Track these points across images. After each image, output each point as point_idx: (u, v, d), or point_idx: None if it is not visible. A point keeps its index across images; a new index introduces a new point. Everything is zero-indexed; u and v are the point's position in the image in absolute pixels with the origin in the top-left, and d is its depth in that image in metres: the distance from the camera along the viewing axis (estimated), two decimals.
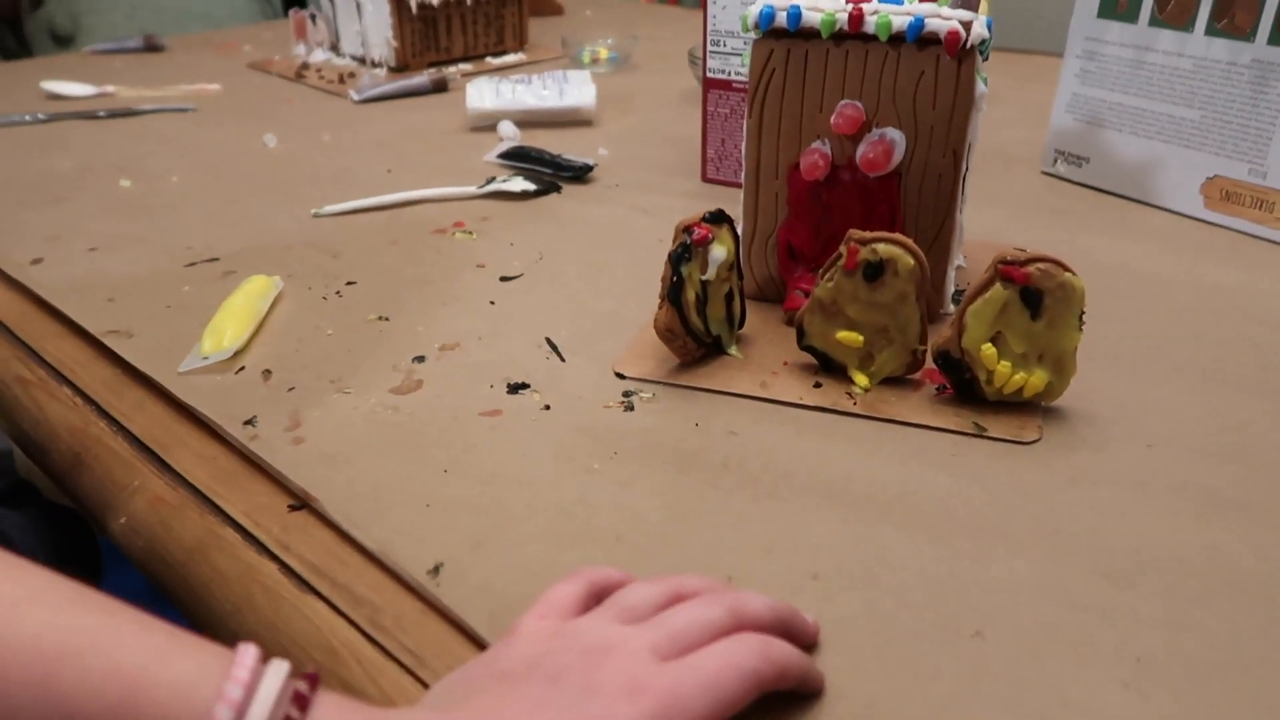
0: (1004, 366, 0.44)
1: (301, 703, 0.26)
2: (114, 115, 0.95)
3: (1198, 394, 0.47)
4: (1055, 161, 0.76)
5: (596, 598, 0.33)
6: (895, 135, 0.49)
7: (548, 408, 0.46)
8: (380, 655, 0.34)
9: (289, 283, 0.59)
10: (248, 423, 0.45)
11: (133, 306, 0.57)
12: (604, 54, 1.11)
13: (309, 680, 0.27)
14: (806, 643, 0.32)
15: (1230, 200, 0.66)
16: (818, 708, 0.30)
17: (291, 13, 1.19)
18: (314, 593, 0.36)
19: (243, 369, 0.50)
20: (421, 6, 1.07)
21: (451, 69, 1.11)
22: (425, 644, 0.34)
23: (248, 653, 0.26)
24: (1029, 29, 1.36)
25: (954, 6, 0.48)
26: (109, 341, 0.52)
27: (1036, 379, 0.44)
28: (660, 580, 0.33)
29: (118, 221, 0.70)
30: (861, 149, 0.50)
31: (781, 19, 0.49)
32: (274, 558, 0.38)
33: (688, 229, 0.47)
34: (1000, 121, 0.89)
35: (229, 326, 0.52)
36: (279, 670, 0.26)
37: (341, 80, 1.08)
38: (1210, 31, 0.64)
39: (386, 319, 0.55)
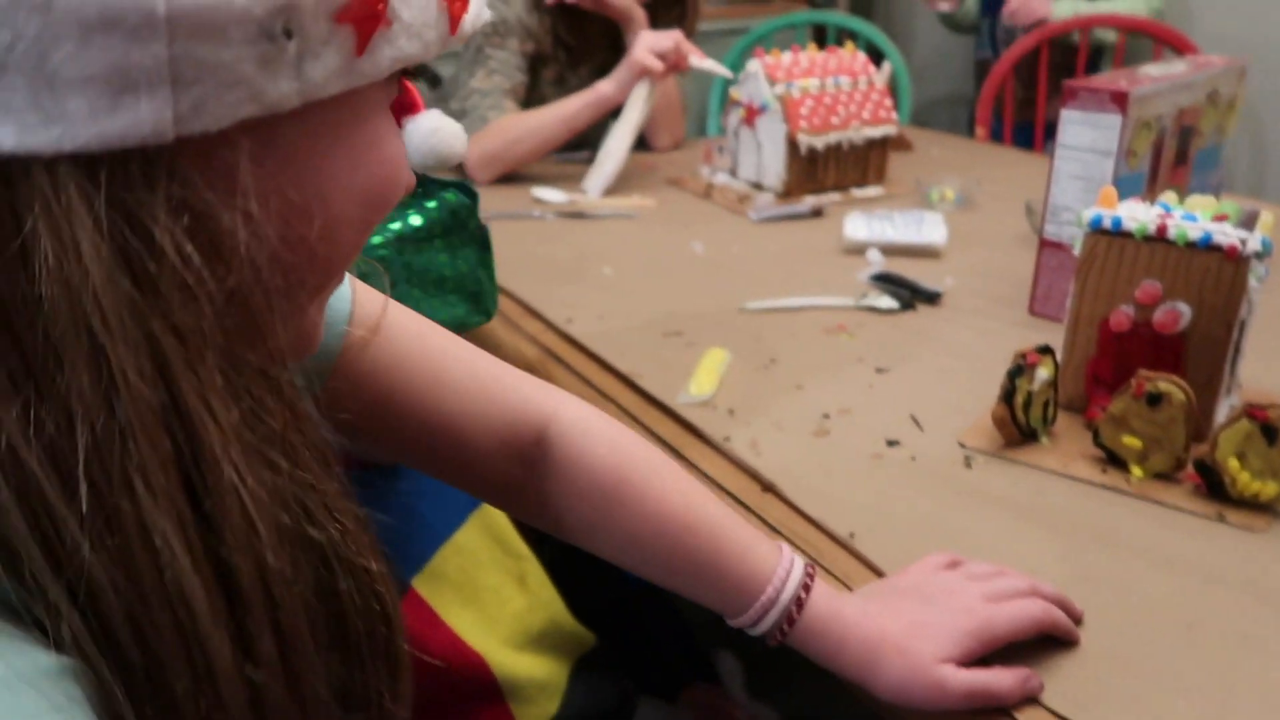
0: (1245, 475, 0.64)
1: (809, 579, 0.53)
2: (582, 216, 1.33)
3: None
4: None
5: (952, 565, 0.58)
6: (1183, 308, 0.71)
7: (914, 459, 0.72)
8: (822, 571, 0.60)
9: (733, 355, 0.89)
10: (726, 439, 0.75)
11: (637, 358, 0.89)
12: (950, 195, 1.36)
13: (811, 569, 0.54)
14: (1073, 616, 0.55)
15: None
16: (1072, 655, 0.53)
17: (704, 142, 1.55)
18: (782, 536, 0.64)
19: (715, 407, 0.80)
20: (809, 149, 1.38)
21: (825, 197, 1.41)
22: (850, 570, 0.60)
23: (785, 547, 0.54)
24: None
25: (1238, 225, 0.69)
26: (635, 379, 0.84)
27: (1270, 488, 0.64)
28: (990, 564, 0.57)
29: (610, 298, 1.04)
30: (1157, 314, 0.72)
31: (1107, 222, 0.72)
32: (756, 514, 0.66)
33: (1023, 355, 0.71)
34: None
35: (705, 379, 0.83)
36: (800, 561, 0.53)
37: (740, 200, 1.41)
38: None
39: (800, 387, 0.83)
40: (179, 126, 0.26)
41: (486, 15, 0.36)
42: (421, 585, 0.65)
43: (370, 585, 0.34)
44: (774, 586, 0.52)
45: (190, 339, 0.27)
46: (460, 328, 0.59)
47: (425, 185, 0.58)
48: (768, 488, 0.69)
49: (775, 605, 0.51)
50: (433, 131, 0.55)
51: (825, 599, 0.52)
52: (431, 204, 0.56)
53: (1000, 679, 0.49)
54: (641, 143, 1.83)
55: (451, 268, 0.59)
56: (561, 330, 0.96)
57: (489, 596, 0.69)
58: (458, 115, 1.51)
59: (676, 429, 0.78)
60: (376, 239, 0.54)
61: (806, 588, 0.52)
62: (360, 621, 0.34)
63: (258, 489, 0.29)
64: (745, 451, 0.73)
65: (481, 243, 0.61)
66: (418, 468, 0.55)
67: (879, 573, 0.59)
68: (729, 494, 0.69)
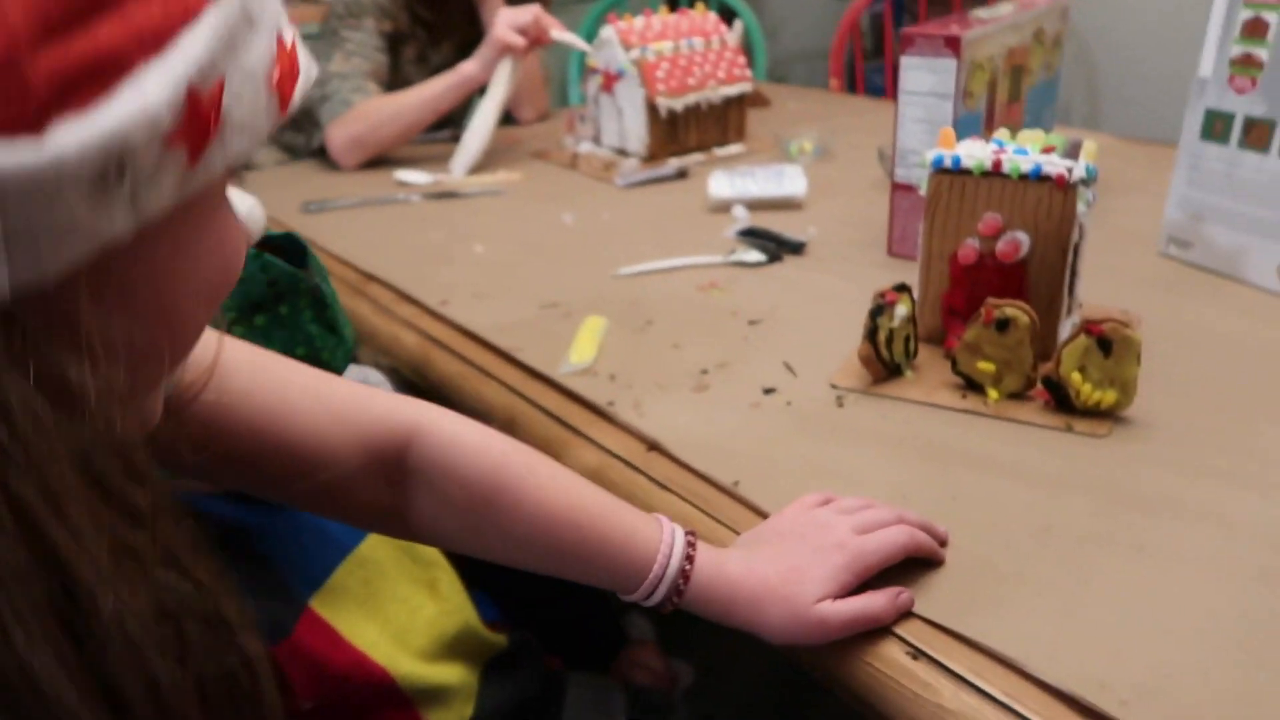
0: (1087, 387, 0.69)
1: (691, 547, 0.55)
2: (449, 196, 1.32)
3: (1231, 415, 0.70)
4: (1168, 245, 0.99)
5: (825, 502, 0.61)
6: (1022, 237, 0.75)
7: (789, 404, 0.75)
8: (712, 522, 0.63)
9: (610, 321, 0.90)
10: (609, 403, 0.76)
11: (516, 333, 0.89)
12: (809, 147, 1.40)
13: (691, 534, 0.56)
14: (937, 538, 0.59)
15: None
16: (941, 570, 0.57)
17: (566, 112, 1.55)
18: (670, 491, 0.66)
19: (596, 374, 0.81)
20: (669, 111, 1.40)
21: (689, 159, 1.43)
22: (737, 517, 0.63)
23: (665, 520, 0.56)
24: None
25: (1063, 156, 0.74)
26: (515, 354, 0.85)
27: (1109, 396, 0.69)
28: (860, 498, 0.61)
29: (484, 277, 1.04)
30: (999, 244, 0.76)
31: (948, 162, 0.76)
32: (643, 473, 0.68)
33: (882, 294, 0.75)
34: (1131, 208, 1.12)
35: (585, 347, 0.84)
36: (681, 532, 0.56)
37: (605, 168, 1.41)
38: None
39: (678, 346, 0.85)
40: (15, 286, 0.26)
41: (314, 73, 0.35)
42: (322, 603, 0.63)
43: (247, 664, 0.34)
44: (659, 563, 0.54)
45: (52, 487, 0.27)
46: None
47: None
48: (653, 446, 0.71)
49: (664, 580, 0.54)
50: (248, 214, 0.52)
51: (709, 564, 0.55)
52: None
53: (874, 602, 0.53)
54: (506, 117, 1.81)
55: (291, 343, 0.57)
56: (438, 313, 0.95)
57: (397, 607, 0.68)
58: (318, 102, 1.46)
59: (560, 399, 0.79)
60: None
61: (690, 557, 0.55)
62: (239, 696, 0.34)
63: (136, 606, 0.29)
64: (629, 414, 0.74)
65: (316, 303, 0.59)
66: (289, 502, 0.53)
67: (763, 514, 0.62)
68: (616, 456, 0.70)
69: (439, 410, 0.56)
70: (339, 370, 0.66)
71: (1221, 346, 0.80)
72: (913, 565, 0.56)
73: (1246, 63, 0.89)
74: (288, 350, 0.60)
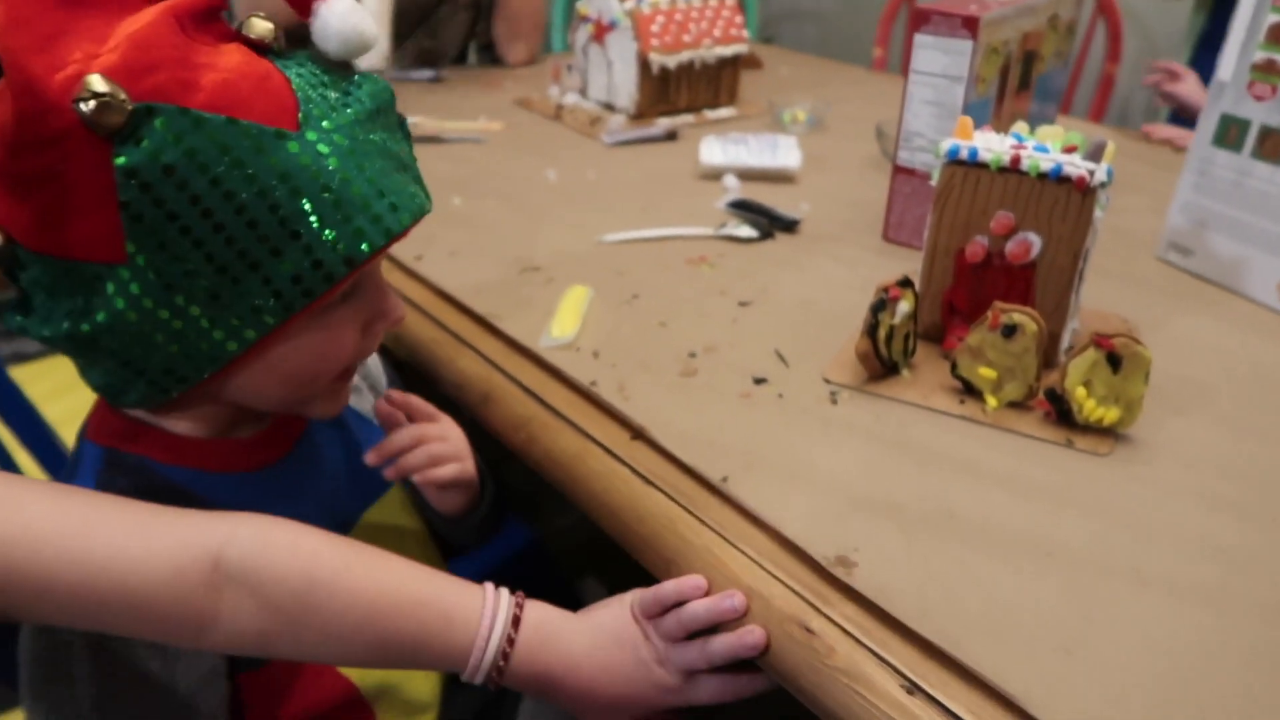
0: (1090, 402, 0.66)
1: (519, 608, 0.53)
2: (428, 141, 1.26)
3: (1230, 438, 0.68)
4: (1168, 250, 0.97)
5: (659, 612, 0.57)
6: (1034, 238, 0.72)
7: (781, 396, 0.71)
8: (697, 523, 0.59)
9: (595, 291, 0.86)
10: (592, 383, 0.72)
11: (495, 297, 0.84)
12: (802, 116, 1.36)
13: (519, 598, 0.53)
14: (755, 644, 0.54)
15: None
16: (942, 588, 0.54)
17: (551, 59, 1.48)
18: (654, 487, 0.62)
19: (579, 349, 0.77)
20: (661, 68, 1.34)
21: (678, 119, 1.37)
22: (723, 519, 0.59)
23: (490, 598, 0.54)
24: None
25: (1085, 157, 0.71)
26: (494, 322, 0.80)
27: (1113, 414, 0.66)
28: (704, 607, 0.56)
29: (462, 232, 0.99)
30: (1009, 245, 0.73)
31: (964, 154, 0.72)
32: (626, 464, 0.64)
33: (885, 289, 0.71)
34: (1131, 208, 1.09)
35: (567, 319, 0.79)
36: (504, 614, 0.53)
37: (591, 123, 1.36)
38: None
39: (665, 324, 0.81)
40: None
41: None
42: None
43: None
44: (478, 650, 0.53)
45: None
46: (421, 214, 0.54)
47: (347, 73, 0.53)
48: (637, 434, 0.67)
49: (480, 668, 0.53)
50: (350, 10, 0.49)
51: (531, 652, 0.54)
52: (366, 86, 0.51)
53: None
54: (493, 55, 1.73)
55: (402, 151, 0.54)
56: (411, 269, 0.90)
57: None
58: None
59: (540, 374, 0.75)
60: (345, 119, 0.49)
61: (510, 640, 0.54)
62: None
63: None
64: (613, 396, 0.71)
65: (405, 131, 0.57)
66: (103, 629, 0.48)
67: (752, 517, 0.59)
68: (597, 443, 0.67)
69: (254, 516, 0.51)
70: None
71: (1221, 362, 0.78)
72: (907, 586, 0.53)
73: (1269, 69, 0.86)
74: (412, 162, 0.58)
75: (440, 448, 0.69)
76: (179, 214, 0.45)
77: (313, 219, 0.47)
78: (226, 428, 0.58)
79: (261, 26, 0.49)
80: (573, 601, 0.94)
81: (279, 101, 0.47)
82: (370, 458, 0.65)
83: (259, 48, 0.49)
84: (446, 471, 0.69)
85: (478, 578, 0.56)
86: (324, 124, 0.48)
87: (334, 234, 0.48)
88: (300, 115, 0.47)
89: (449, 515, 0.73)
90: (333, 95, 0.49)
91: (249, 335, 0.49)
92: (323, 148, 0.47)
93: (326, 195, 0.47)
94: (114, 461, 0.54)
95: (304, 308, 0.49)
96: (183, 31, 0.45)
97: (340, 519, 0.64)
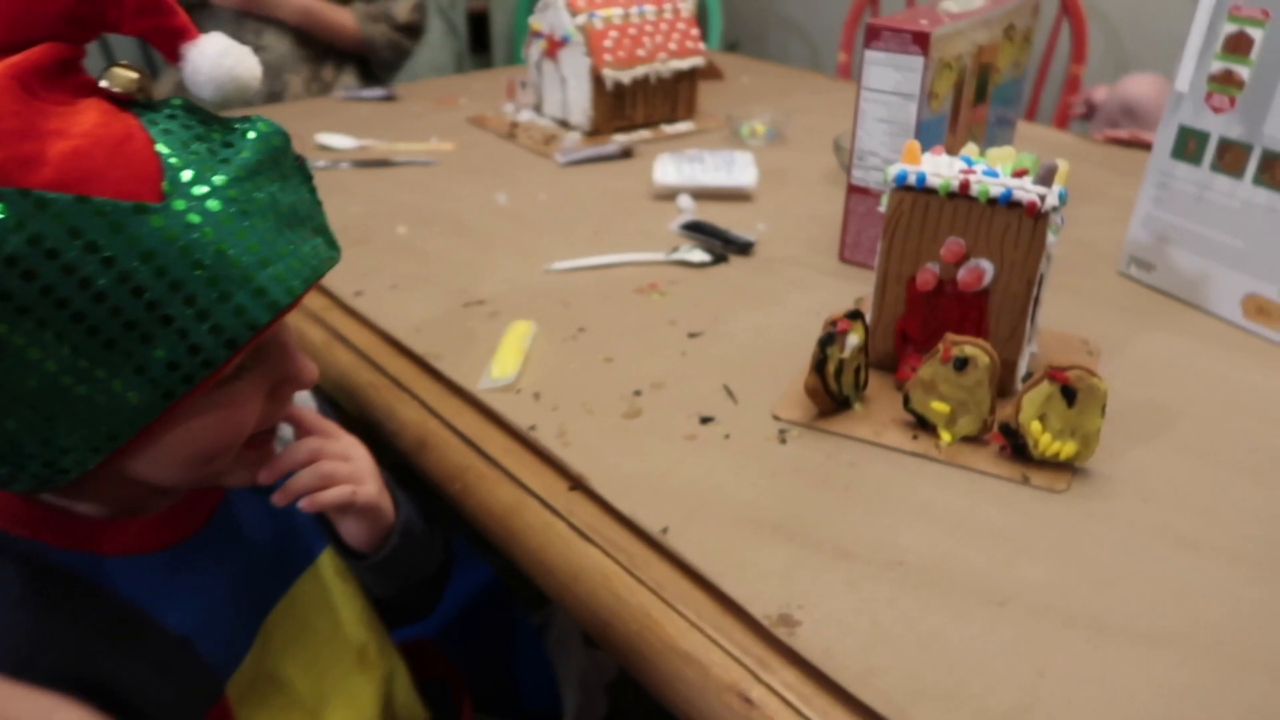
0: (1046, 437, 0.64)
1: None
2: (376, 165, 1.22)
3: (1193, 467, 0.66)
4: (1129, 265, 0.94)
5: None
6: (986, 265, 0.69)
7: (727, 436, 0.69)
8: (634, 581, 0.56)
9: (539, 326, 0.83)
10: (531, 428, 0.69)
11: (436, 335, 0.81)
12: (761, 130, 1.33)
13: None
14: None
15: (1263, 314, 0.83)
16: (891, 645, 0.52)
17: (505, 78, 1.45)
18: (591, 543, 0.59)
19: (519, 391, 0.74)
20: (616, 84, 1.31)
21: (634, 135, 1.35)
22: (660, 577, 0.56)
23: None
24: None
25: (1037, 180, 0.68)
26: (433, 362, 0.77)
27: (1069, 448, 0.64)
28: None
29: (406, 263, 0.95)
30: (961, 272, 0.70)
31: (912, 179, 0.70)
32: (563, 518, 0.61)
33: (834, 322, 0.69)
34: (1092, 219, 1.07)
35: (508, 359, 0.76)
36: None
37: (546, 142, 1.33)
38: (1256, 182, 0.82)
39: (611, 360, 0.78)
40: None
41: None
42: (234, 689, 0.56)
43: None
44: None
45: None
46: (319, 274, 0.49)
47: (229, 120, 0.48)
48: (576, 485, 0.64)
49: None
50: (223, 53, 0.45)
51: None
52: (251, 134, 0.46)
53: None
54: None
55: (298, 201, 0.50)
56: (349, 306, 0.87)
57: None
58: None
59: (479, 419, 0.72)
60: (220, 179, 0.44)
61: None
62: None
63: None
64: (552, 441, 0.68)
65: (303, 174, 0.52)
66: None
67: (691, 571, 0.56)
68: (534, 495, 0.64)
69: None
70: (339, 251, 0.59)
71: (1183, 383, 0.76)
72: (853, 646, 0.50)
73: (1226, 80, 0.84)
74: (305, 213, 0.53)
75: (333, 466, 0.62)
76: (30, 307, 0.40)
77: (183, 302, 0.43)
78: (134, 505, 0.54)
79: (124, 77, 0.44)
80: (533, 635, 0.92)
81: (139, 169, 0.42)
82: (263, 476, 0.58)
83: (122, 101, 0.45)
84: (336, 494, 0.61)
85: (437, 629, 0.52)
86: (195, 190, 0.43)
87: (212, 315, 0.43)
88: (166, 183, 0.42)
89: (359, 552, 0.67)
90: (208, 151, 0.45)
91: (125, 430, 0.45)
92: (193, 217, 0.43)
93: (199, 273, 0.43)
94: (3, 547, 0.50)
95: (185, 394, 0.45)
96: (25, 93, 0.40)
97: (257, 597, 0.60)
